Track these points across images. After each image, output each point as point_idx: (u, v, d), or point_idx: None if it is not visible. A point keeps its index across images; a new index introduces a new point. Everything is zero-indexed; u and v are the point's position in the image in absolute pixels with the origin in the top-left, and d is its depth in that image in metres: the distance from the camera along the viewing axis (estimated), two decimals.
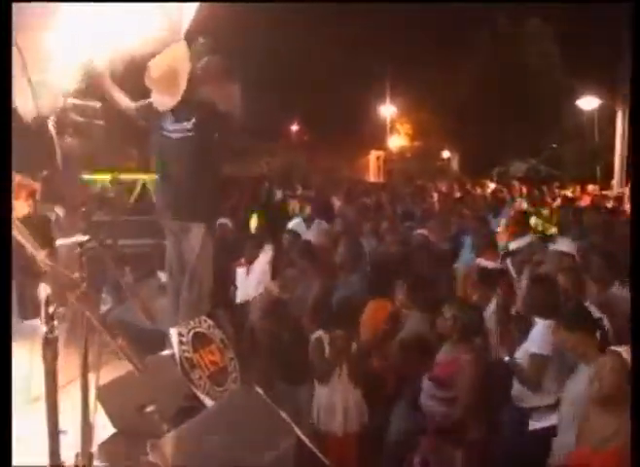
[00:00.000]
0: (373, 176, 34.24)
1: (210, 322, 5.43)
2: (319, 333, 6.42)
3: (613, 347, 4.76)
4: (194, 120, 5.99)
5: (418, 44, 33.00)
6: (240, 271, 8.89)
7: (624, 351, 4.54)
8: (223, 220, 9.66)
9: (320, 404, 6.34)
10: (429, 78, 33.15)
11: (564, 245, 7.96)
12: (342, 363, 6.31)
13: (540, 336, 6.00)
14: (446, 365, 6.03)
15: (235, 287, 8.86)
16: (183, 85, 5.87)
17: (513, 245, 8.61)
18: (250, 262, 8.90)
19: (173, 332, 5.04)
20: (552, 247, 7.97)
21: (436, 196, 17.07)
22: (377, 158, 36.15)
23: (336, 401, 6.31)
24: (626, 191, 18.21)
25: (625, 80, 23.33)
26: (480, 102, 33.43)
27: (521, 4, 31.77)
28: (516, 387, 6.09)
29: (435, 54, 32.59)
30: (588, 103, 29.04)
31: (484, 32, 35.14)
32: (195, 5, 5.60)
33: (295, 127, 42.55)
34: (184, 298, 6.11)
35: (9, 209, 2.96)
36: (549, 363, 5.88)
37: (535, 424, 5.89)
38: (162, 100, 5.98)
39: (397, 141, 38.06)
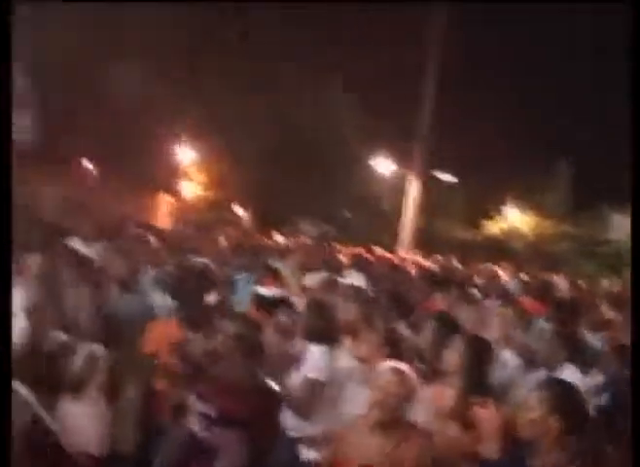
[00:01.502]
0: (162, 222, 33.50)
1: None
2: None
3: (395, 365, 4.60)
4: None
5: (219, 92, 33.07)
6: None
7: (407, 369, 4.45)
8: None
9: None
10: (227, 128, 33.12)
11: (355, 279, 8.02)
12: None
13: (315, 361, 5.98)
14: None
15: None
16: None
17: (307, 281, 8.67)
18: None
19: None
20: (343, 281, 8.00)
21: (223, 239, 16.99)
22: (169, 203, 35.51)
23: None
24: (410, 256, 18.77)
25: (420, 144, 24.30)
26: (274, 159, 33.70)
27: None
28: (288, 416, 5.93)
29: (235, 106, 32.73)
30: (383, 166, 29.89)
31: (287, 95, 35.46)
32: None
33: (84, 163, 41.07)
34: None
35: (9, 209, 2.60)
36: (322, 388, 5.87)
37: (308, 454, 5.77)
38: None
39: (190, 188, 37.65)
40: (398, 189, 27.65)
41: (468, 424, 5.08)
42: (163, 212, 34.89)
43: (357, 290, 7.43)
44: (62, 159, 31.12)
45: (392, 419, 4.42)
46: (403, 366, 4.51)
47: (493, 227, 35.15)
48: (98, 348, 5.82)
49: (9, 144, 2.32)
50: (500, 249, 30.51)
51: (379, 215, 31.79)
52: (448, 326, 6.13)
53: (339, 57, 31.63)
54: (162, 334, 6.85)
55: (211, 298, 7.73)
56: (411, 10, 27.43)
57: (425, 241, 25.26)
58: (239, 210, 37.75)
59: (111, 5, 26.72)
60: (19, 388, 4.97)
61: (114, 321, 7.18)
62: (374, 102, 31.02)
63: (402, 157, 27.42)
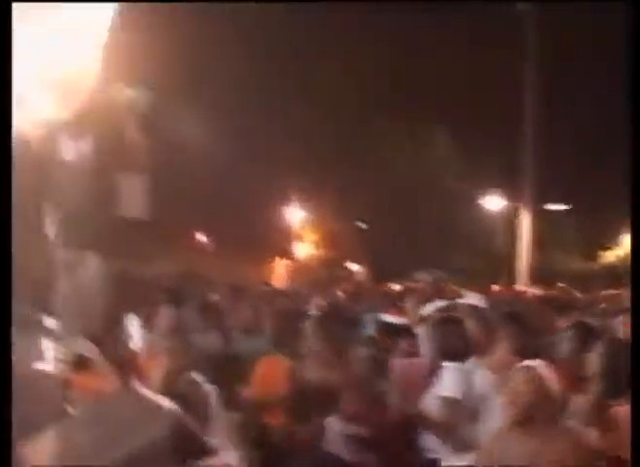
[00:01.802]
0: (279, 284, 33.92)
1: (92, 346, 4.94)
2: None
3: (528, 363, 4.53)
4: (90, 138, 5.60)
5: (320, 154, 33.56)
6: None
7: (540, 367, 4.35)
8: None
9: None
10: (335, 187, 33.49)
11: (472, 299, 7.97)
12: None
13: (450, 380, 5.91)
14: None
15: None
16: (82, 97, 5.54)
17: (426, 310, 8.55)
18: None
19: (49, 345, 4.53)
20: (460, 301, 7.97)
21: (340, 292, 17.14)
22: (285, 266, 35.93)
23: None
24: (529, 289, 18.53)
25: (527, 179, 24.09)
26: (384, 212, 33.84)
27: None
28: (427, 437, 5.90)
29: (338, 164, 33.15)
30: (492, 203, 29.59)
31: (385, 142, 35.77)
32: None
33: (199, 236, 42.16)
34: None
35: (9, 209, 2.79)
36: (460, 406, 5.76)
37: None
38: (58, 111, 5.61)
39: (303, 249, 38.07)
40: (510, 225, 27.43)
41: (607, 427, 4.98)
42: (278, 274, 35.33)
43: (477, 308, 7.42)
44: (175, 232, 31.93)
45: (531, 419, 4.33)
46: (536, 363, 4.45)
47: (610, 256, 34.39)
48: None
49: (8, 149, 2.41)
50: (617, 276, 29.74)
51: (493, 253, 31.47)
52: (587, 333, 6.04)
53: (444, 109, 31.83)
54: (272, 369, 6.98)
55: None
56: (505, 53, 27.55)
57: (542, 276, 24.91)
58: (353, 266, 37.94)
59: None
60: None
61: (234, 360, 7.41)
62: (476, 143, 31.07)
63: (511, 191, 27.22)
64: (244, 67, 29.77)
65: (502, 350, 6.10)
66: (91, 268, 5.63)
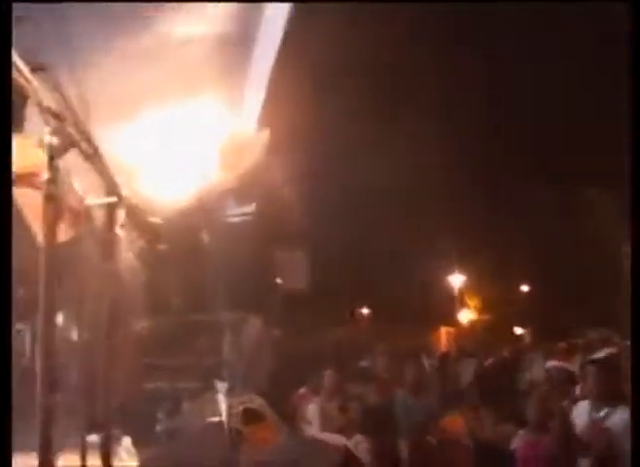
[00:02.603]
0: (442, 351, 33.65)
1: (262, 401, 5.15)
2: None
3: None
4: (255, 204, 5.96)
5: (480, 223, 33.44)
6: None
7: None
8: None
9: None
10: (493, 251, 33.23)
11: None
12: None
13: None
14: None
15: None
16: (247, 164, 5.91)
17: (596, 355, 8.46)
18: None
19: (222, 398, 4.77)
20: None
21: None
22: (447, 333, 35.65)
23: None
24: None
25: None
26: (546, 274, 33.30)
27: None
28: None
29: (497, 230, 32.93)
30: None
31: (538, 204, 35.36)
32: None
33: (364, 311, 42.42)
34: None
35: (9, 209, 2.87)
36: None
37: None
38: (224, 175, 5.99)
39: (467, 315, 37.69)
40: None
41: None
42: (443, 342, 35.06)
43: None
44: (337, 304, 32.22)
45: None
46: None
47: None
48: None
49: (8, 143, 2.49)
50: None
51: None
52: None
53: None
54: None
55: None
56: None
57: None
58: (518, 330, 37.26)
59: None
60: None
61: None
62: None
63: None
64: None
65: None
66: (254, 329, 5.92)
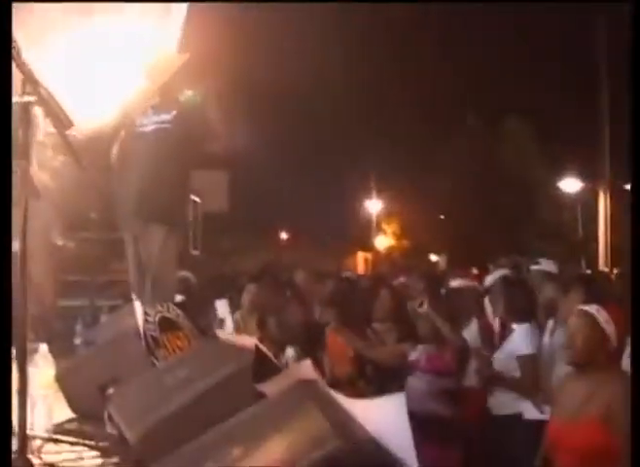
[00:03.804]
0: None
1: (179, 311, 5.25)
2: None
3: (583, 306, 4.60)
4: (174, 112, 5.95)
5: (401, 149, 33.68)
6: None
7: (595, 310, 4.39)
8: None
9: None
10: (412, 179, 33.61)
11: (546, 266, 8.04)
12: None
13: (522, 338, 6.08)
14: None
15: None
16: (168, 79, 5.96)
17: (488, 280, 8.55)
18: None
19: (138, 307, 4.86)
20: (534, 267, 8.10)
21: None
22: (365, 259, 36.13)
23: None
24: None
25: (604, 160, 23.89)
26: (462, 202, 33.86)
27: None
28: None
29: (418, 156, 33.23)
30: (569, 185, 29.41)
31: (461, 131, 35.82)
32: None
33: (284, 235, 42.69)
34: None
35: (9, 208, 2.90)
36: (537, 362, 5.98)
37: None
38: (146, 88, 6.02)
39: (384, 241, 38.17)
40: (589, 208, 27.19)
41: None
42: (360, 267, 35.57)
43: (550, 273, 7.54)
44: (257, 229, 32.32)
45: (587, 362, 4.37)
46: (592, 307, 4.50)
47: None
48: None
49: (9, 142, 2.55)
50: None
51: (572, 237, 31.17)
52: None
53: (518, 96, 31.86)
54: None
55: None
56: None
57: (622, 259, 24.57)
58: (433, 257, 38.00)
59: None
60: None
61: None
62: (552, 127, 30.92)
63: (589, 174, 26.95)
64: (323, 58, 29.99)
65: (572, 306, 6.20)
66: (156, 240, 5.95)
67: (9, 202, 2.74)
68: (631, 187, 4.78)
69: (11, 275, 2.77)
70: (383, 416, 1.73)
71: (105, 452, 3.45)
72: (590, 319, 4.35)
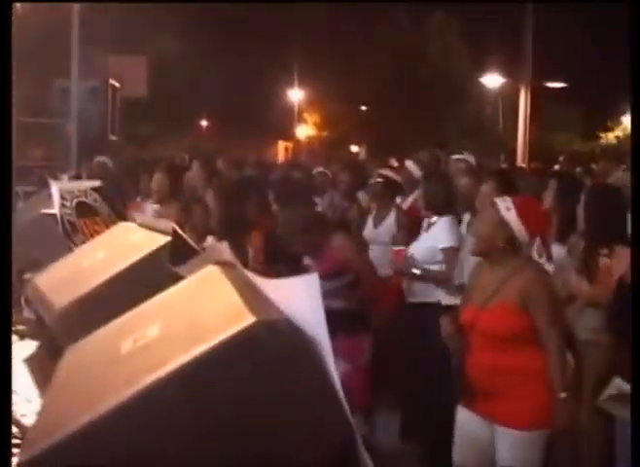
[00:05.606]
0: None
1: (97, 196, 5.21)
2: None
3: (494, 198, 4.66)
4: None
5: (324, 39, 33.30)
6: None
7: (501, 201, 4.44)
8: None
9: None
10: (335, 69, 33.37)
11: (466, 158, 8.17)
12: None
13: (445, 231, 6.17)
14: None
15: None
16: None
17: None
18: None
19: (55, 192, 4.81)
20: (454, 158, 8.25)
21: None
22: (286, 148, 36.04)
23: None
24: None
25: (527, 58, 24.07)
26: (385, 95, 33.82)
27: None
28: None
29: (341, 48, 32.94)
30: (492, 81, 29.67)
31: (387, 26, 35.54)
32: None
33: (204, 123, 42.15)
34: None
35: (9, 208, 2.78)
36: (457, 255, 6.02)
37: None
38: None
39: (305, 131, 38.09)
40: (510, 105, 27.46)
41: (592, 276, 5.11)
42: (281, 156, 35.50)
43: (467, 168, 7.62)
44: (177, 115, 31.86)
45: (494, 250, 4.42)
46: (503, 200, 4.52)
47: (610, 136, 34.58)
48: None
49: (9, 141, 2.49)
50: (618, 157, 29.81)
51: (494, 134, 31.54)
52: (571, 184, 6.11)
53: None
54: None
55: None
56: None
57: (542, 156, 24.99)
58: (354, 148, 38.10)
59: None
60: None
61: None
62: (477, 22, 30.90)
63: (511, 69, 27.13)
64: None
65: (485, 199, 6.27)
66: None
67: (9, 202, 2.69)
68: (632, 184, 4.80)
69: (11, 272, 2.73)
70: (297, 296, 1.78)
71: (23, 337, 3.47)
72: (492, 209, 4.42)
